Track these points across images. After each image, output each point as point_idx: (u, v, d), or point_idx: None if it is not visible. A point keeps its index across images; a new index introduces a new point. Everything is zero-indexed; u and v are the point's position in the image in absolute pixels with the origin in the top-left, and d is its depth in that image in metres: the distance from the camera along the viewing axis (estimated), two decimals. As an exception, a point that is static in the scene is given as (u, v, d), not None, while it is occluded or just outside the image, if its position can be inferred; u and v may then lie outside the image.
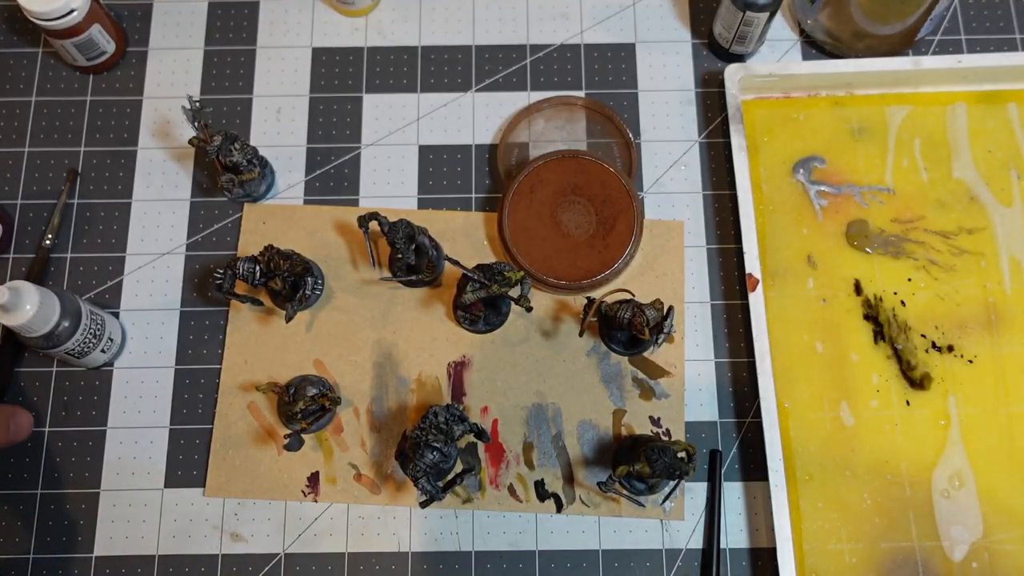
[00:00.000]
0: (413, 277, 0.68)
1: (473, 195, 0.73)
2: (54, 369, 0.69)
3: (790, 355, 0.68)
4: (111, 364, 0.69)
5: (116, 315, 0.70)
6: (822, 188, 0.72)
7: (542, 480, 0.66)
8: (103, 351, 0.67)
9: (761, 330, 0.66)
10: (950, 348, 0.68)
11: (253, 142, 0.74)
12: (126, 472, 0.67)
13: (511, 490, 0.66)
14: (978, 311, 0.69)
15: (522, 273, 0.62)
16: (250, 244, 0.72)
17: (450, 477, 0.63)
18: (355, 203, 0.73)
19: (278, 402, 0.66)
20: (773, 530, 0.63)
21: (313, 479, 0.66)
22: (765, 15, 0.70)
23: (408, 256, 0.67)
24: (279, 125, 0.75)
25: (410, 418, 0.68)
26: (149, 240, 0.72)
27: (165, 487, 0.66)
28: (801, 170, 0.73)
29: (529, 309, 0.62)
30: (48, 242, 0.71)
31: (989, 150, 0.73)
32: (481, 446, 0.67)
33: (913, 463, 0.66)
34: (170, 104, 0.75)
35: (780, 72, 0.73)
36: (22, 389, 0.68)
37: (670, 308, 0.62)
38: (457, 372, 0.68)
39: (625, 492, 0.65)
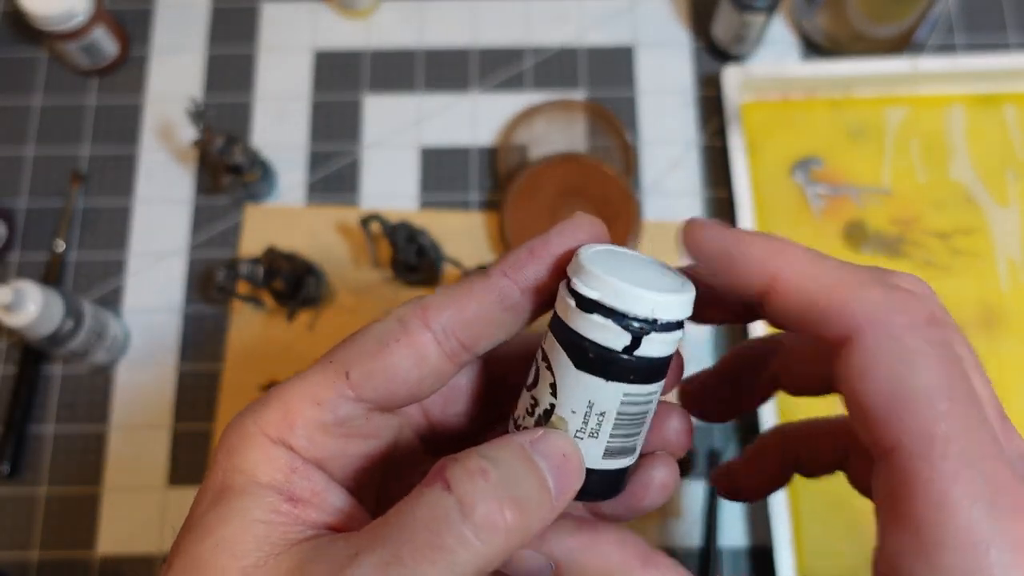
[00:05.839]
0: (414, 277, 0.68)
1: (473, 196, 0.73)
2: (57, 370, 0.69)
3: (788, 355, 0.68)
4: (114, 364, 0.69)
5: (119, 315, 0.70)
6: (820, 189, 0.73)
7: (542, 479, 0.67)
8: (106, 351, 0.67)
9: (758, 330, 0.67)
10: (947, 348, 0.68)
11: (255, 144, 0.75)
12: (129, 471, 0.67)
13: (511, 489, 0.66)
14: (975, 311, 0.69)
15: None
16: (252, 245, 0.72)
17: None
18: (356, 204, 0.73)
19: (280, 402, 0.66)
20: (771, 530, 0.63)
21: (314, 478, 0.67)
22: (763, 17, 0.70)
23: (409, 257, 0.67)
24: (280, 127, 0.76)
25: (411, 418, 0.68)
26: (151, 241, 0.73)
27: (168, 486, 0.67)
28: (799, 171, 0.73)
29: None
30: (62, 247, 0.71)
31: (986, 152, 0.73)
32: (481, 445, 0.67)
33: (910, 462, 0.66)
34: (173, 106, 0.76)
35: (778, 74, 0.73)
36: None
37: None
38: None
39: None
